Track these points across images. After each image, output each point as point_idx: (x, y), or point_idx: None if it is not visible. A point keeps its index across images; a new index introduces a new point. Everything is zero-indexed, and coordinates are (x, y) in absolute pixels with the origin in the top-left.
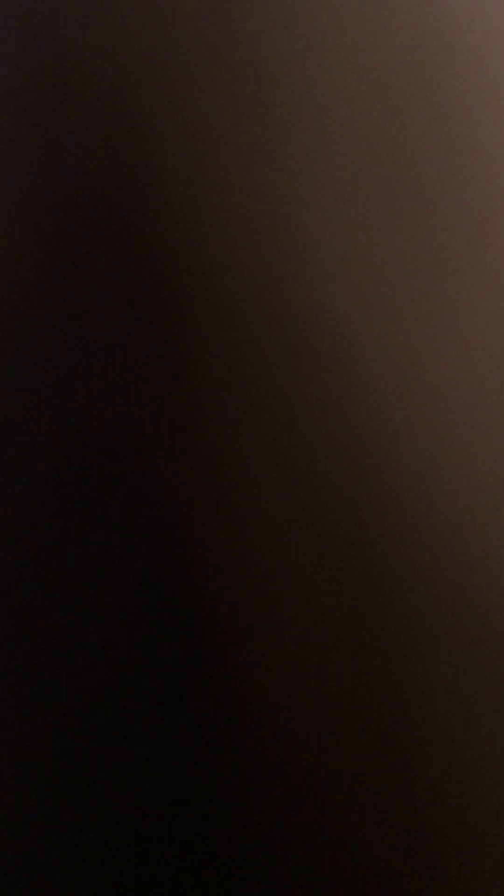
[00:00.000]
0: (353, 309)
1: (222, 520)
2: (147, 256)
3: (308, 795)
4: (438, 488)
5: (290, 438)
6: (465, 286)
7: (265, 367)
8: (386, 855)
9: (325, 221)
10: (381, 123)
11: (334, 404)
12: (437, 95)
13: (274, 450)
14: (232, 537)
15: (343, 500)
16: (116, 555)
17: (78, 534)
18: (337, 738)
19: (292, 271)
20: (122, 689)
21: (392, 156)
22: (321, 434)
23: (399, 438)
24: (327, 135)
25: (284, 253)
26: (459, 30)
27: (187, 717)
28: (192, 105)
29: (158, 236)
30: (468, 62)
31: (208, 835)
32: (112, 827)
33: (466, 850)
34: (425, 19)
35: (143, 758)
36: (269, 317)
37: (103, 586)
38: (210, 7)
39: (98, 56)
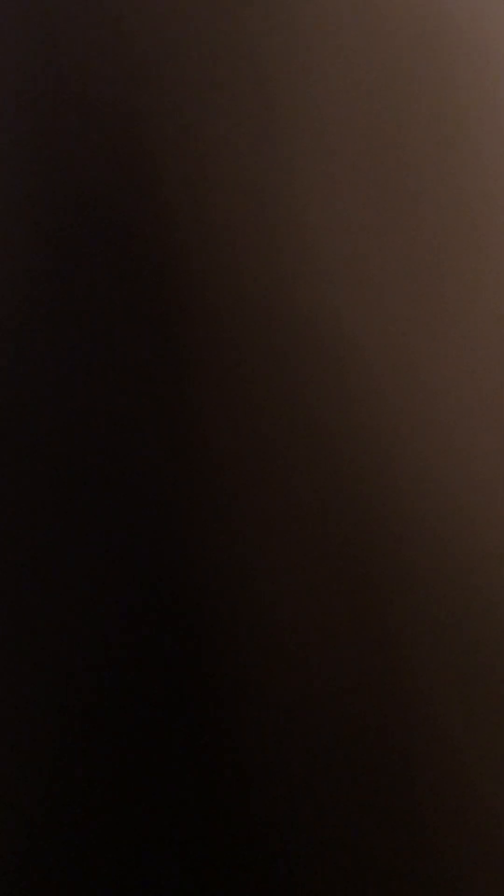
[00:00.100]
0: (354, 309)
1: (222, 519)
2: (147, 256)
3: (308, 795)
4: (438, 488)
5: (290, 438)
6: (465, 286)
7: (265, 366)
8: (386, 854)
9: (325, 221)
10: (381, 123)
11: (334, 404)
12: (437, 95)
13: (274, 449)
14: (232, 537)
15: (343, 500)
16: (116, 554)
17: (78, 533)
18: (337, 738)
19: (292, 271)
20: (122, 689)
21: (392, 155)
22: (321, 434)
23: (399, 438)
24: (327, 135)
25: (284, 253)
26: (459, 30)
27: (187, 717)
28: (192, 105)
29: (158, 236)
30: (468, 62)
31: (208, 834)
32: (112, 826)
33: (466, 850)
34: (425, 19)
35: (144, 757)
36: (269, 316)
37: (103, 586)
38: (210, 7)
39: (98, 56)
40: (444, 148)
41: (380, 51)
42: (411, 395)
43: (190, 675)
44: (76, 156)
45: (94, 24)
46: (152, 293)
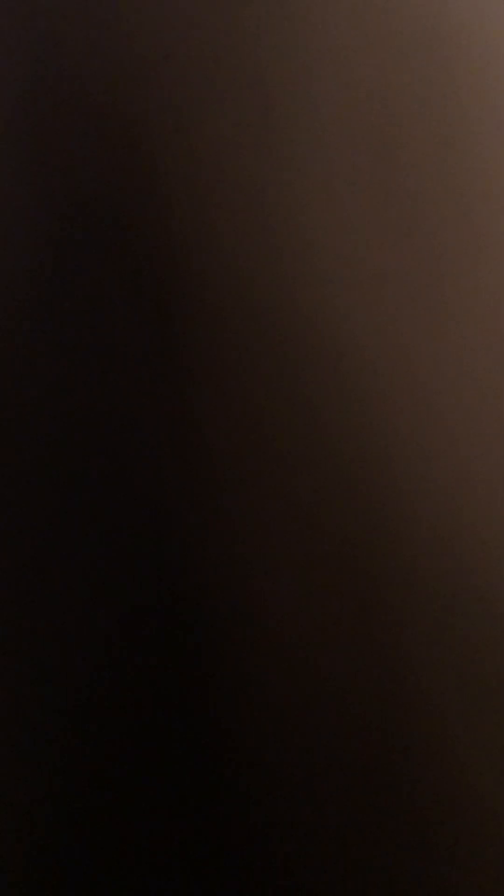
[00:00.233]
0: (354, 309)
1: (222, 518)
2: (146, 257)
3: (308, 793)
4: (438, 487)
5: (290, 438)
6: (465, 286)
7: (265, 366)
8: (386, 854)
9: (325, 221)
10: (381, 123)
11: (334, 404)
12: (437, 95)
13: (274, 449)
14: (232, 536)
15: (343, 499)
16: (116, 554)
17: (77, 533)
18: (337, 736)
19: (292, 271)
20: (122, 688)
21: (392, 155)
22: (321, 433)
23: (399, 437)
24: (327, 135)
25: (284, 253)
26: (459, 30)
27: (187, 717)
28: (191, 105)
29: (158, 236)
30: (468, 62)
31: (208, 834)
32: (112, 827)
33: (466, 850)
34: (425, 19)
35: (143, 757)
36: (269, 316)
37: (103, 585)
38: (210, 7)
39: (97, 57)
40: (445, 148)
41: (379, 50)
42: (411, 395)
43: (190, 675)
44: (76, 156)
45: (94, 25)
46: (152, 293)
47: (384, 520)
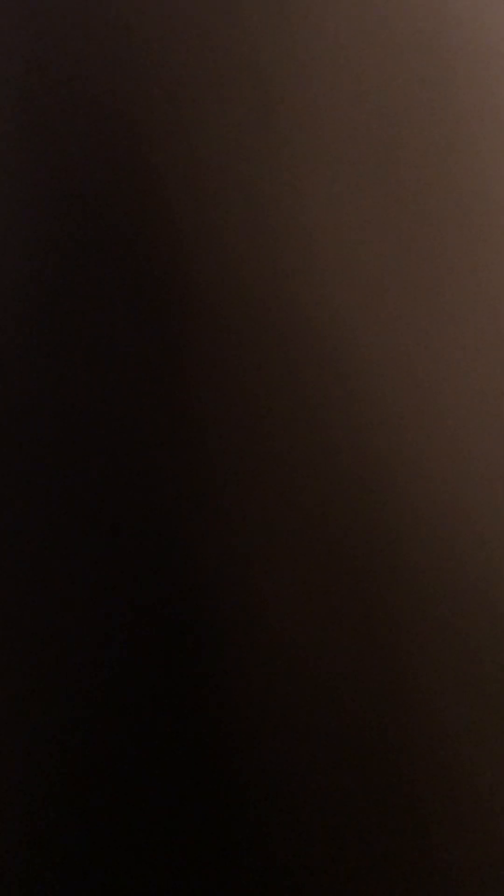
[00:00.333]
0: (354, 309)
1: (222, 519)
2: (146, 256)
3: (308, 794)
4: (439, 487)
5: (290, 438)
6: (465, 287)
7: (266, 367)
8: (386, 853)
9: (325, 221)
10: (381, 124)
11: (334, 404)
12: (437, 95)
13: (274, 449)
14: (232, 536)
15: (343, 500)
16: (116, 555)
17: (77, 534)
18: (337, 737)
19: (292, 271)
20: (122, 689)
21: (392, 155)
22: (321, 433)
23: (399, 437)
24: (328, 135)
25: (285, 253)
26: (460, 29)
27: (187, 718)
28: (192, 105)
29: (158, 236)
30: (468, 62)
31: (208, 835)
32: (112, 827)
33: (466, 849)
34: (426, 19)
35: (144, 757)
36: (269, 316)
37: (103, 586)
38: (210, 7)
39: (98, 55)
40: (445, 148)
41: (379, 50)
42: (411, 395)
43: (190, 676)
44: (76, 156)
45: (94, 26)
46: (152, 292)
47: (384, 519)
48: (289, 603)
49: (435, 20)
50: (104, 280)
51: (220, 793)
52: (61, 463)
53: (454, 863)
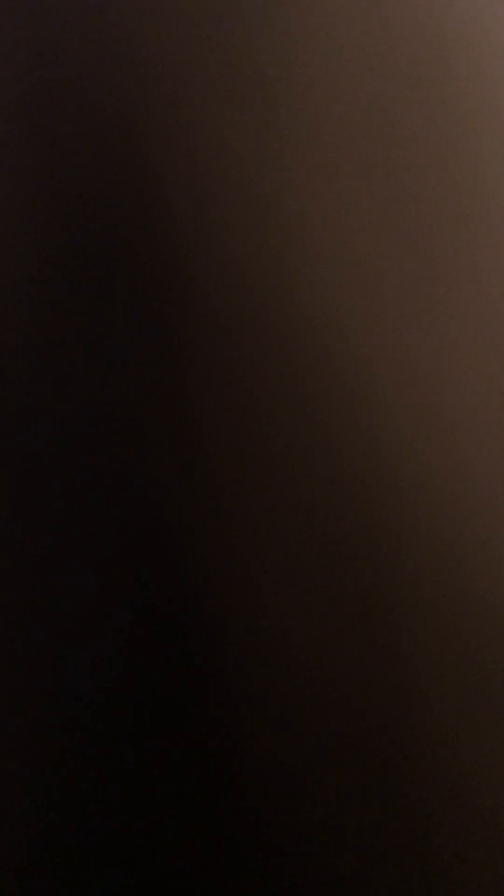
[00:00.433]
0: (354, 309)
1: (222, 519)
2: (146, 257)
3: (308, 794)
4: (439, 487)
5: (290, 438)
6: (465, 287)
7: (266, 367)
8: (386, 854)
9: (325, 221)
10: (381, 124)
11: (334, 404)
12: (437, 94)
13: (274, 449)
14: (232, 536)
15: (343, 500)
16: (115, 555)
17: (77, 535)
18: (337, 738)
19: (292, 271)
20: (123, 691)
21: (392, 156)
22: (321, 433)
23: (399, 437)
24: (328, 135)
25: (285, 253)
26: (459, 29)
27: (187, 720)
28: (192, 105)
29: (158, 236)
30: (468, 61)
31: (209, 835)
32: (112, 831)
33: (466, 849)
34: (425, 18)
35: (144, 758)
36: (269, 316)
37: (102, 586)
38: (210, 6)
39: (98, 56)
40: (445, 147)
41: (380, 51)
42: (411, 395)
43: (190, 678)
44: (76, 156)
45: (94, 27)
46: (152, 292)
47: (384, 519)
48: (289, 603)
49: (435, 20)
50: (105, 280)
51: (220, 793)
52: (61, 463)
53: (454, 862)
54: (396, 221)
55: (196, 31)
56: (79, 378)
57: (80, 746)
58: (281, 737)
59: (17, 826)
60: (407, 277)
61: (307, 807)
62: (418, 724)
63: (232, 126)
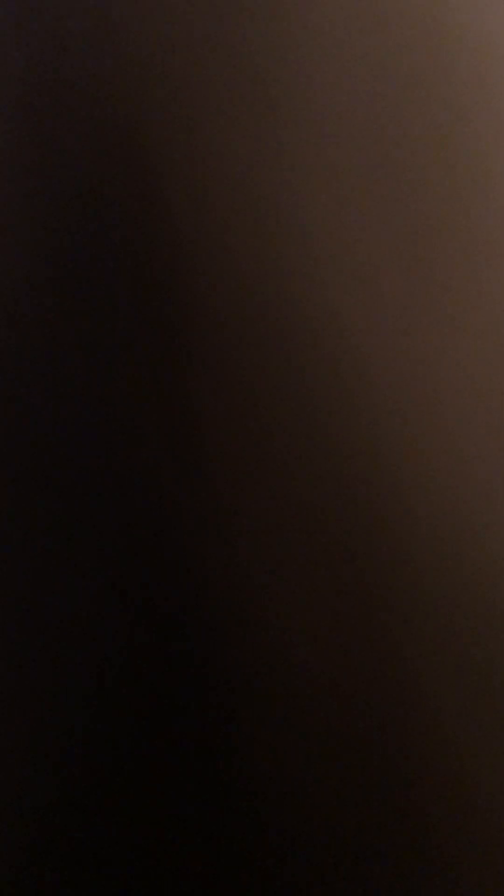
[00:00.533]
0: (354, 309)
1: (222, 519)
2: (146, 256)
3: (307, 794)
4: (439, 487)
5: (290, 438)
6: (466, 287)
7: (266, 367)
8: (386, 854)
9: (325, 221)
10: (381, 123)
11: (334, 404)
12: (437, 94)
13: (274, 449)
14: (231, 537)
15: (343, 500)
16: (115, 555)
17: (77, 534)
18: (337, 739)
19: (292, 271)
20: (123, 693)
21: (393, 156)
22: (321, 433)
23: (400, 436)
24: (328, 135)
25: (285, 252)
26: (460, 29)
27: (187, 722)
28: (192, 104)
29: (158, 236)
30: (469, 62)
31: (208, 834)
32: (112, 832)
33: (466, 849)
34: (426, 18)
35: (144, 757)
36: (269, 315)
37: (102, 586)
38: (210, 6)
39: (98, 56)
40: (444, 147)
41: (380, 51)
42: (411, 395)
43: (190, 678)
44: (76, 157)
45: (94, 26)
46: (152, 292)
47: (385, 520)
48: (289, 603)
49: (435, 20)
50: (104, 280)
51: (220, 793)
52: (61, 463)
53: (454, 862)
54: (397, 221)
55: (196, 31)
56: (79, 378)
57: (79, 746)
58: (280, 737)
59: (16, 826)
60: (407, 277)
61: (307, 807)
62: (418, 724)
63: (232, 126)
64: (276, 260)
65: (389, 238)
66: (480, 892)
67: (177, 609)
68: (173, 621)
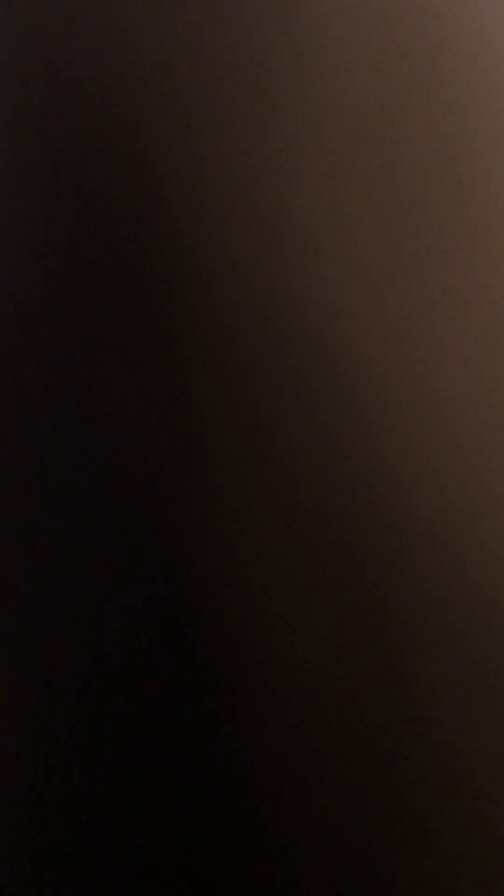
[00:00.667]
0: (354, 308)
1: (222, 519)
2: (146, 257)
3: (307, 794)
4: (439, 487)
5: (290, 438)
6: (466, 287)
7: (266, 367)
8: (386, 854)
9: (325, 221)
10: (381, 123)
11: (335, 404)
12: (437, 94)
13: (274, 449)
14: (231, 536)
15: (343, 499)
16: (115, 554)
17: (77, 532)
18: (337, 739)
19: (292, 271)
20: (123, 692)
21: (391, 154)
22: (321, 433)
23: (400, 436)
24: (328, 135)
25: (285, 252)
26: (460, 30)
27: (187, 722)
28: (192, 104)
29: (158, 236)
30: (469, 62)
31: (208, 834)
32: (111, 832)
33: (466, 850)
34: (426, 19)
35: (144, 757)
36: (270, 315)
37: (102, 584)
38: (211, 8)
39: (99, 57)
40: (444, 146)
41: (380, 51)
42: (411, 395)
43: (190, 678)
44: (77, 157)
45: (95, 27)
46: (152, 292)
47: (385, 519)
48: (289, 602)
49: (436, 20)
50: (105, 280)
51: (220, 793)
52: (61, 463)
53: (454, 862)
54: (397, 221)
55: (196, 31)
56: (79, 378)
57: (79, 746)
58: (280, 736)
59: (16, 826)
60: (407, 277)
61: (307, 806)
62: (418, 724)
63: (232, 126)
64: (276, 259)
65: (389, 237)
66: (480, 892)
67: (177, 609)
68: (173, 621)
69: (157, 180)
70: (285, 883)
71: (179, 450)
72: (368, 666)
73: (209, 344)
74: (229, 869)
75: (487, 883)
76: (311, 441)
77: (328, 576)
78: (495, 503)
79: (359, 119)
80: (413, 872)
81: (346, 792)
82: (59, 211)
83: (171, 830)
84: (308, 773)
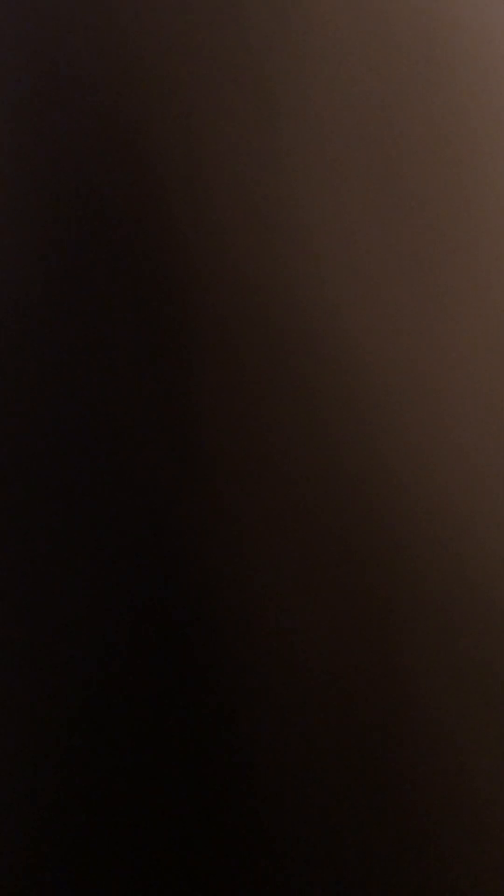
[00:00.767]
0: (354, 309)
1: (222, 518)
2: (147, 256)
3: (306, 795)
4: (439, 487)
5: (290, 438)
6: (466, 287)
7: (266, 367)
8: (385, 852)
9: (325, 221)
10: (381, 123)
11: (335, 404)
12: (437, 94)
13: (274, 449)
14: (232, 536)
15: (343, 499)
16: (116, 554)
17: (77, 532)
18: (336, 738)
19: (292, 270)
20: (123, 691)
21: (392, 154)
22: (322, 432)
23: (400, 436)
24: (328, 135)
25: (285, 253)
26: (460, 30)
27: (187, 722)
28: (192, 104)
29: (158, 236)
30: (469, 62)
31: (208, 834)
32: (111, 832)
33: (466, 850)
34: (426, 19)
35: (143, 757)
36: (270, 316)
37: (102, 584)
38: (211, 10)
39: (99, 57)
40: (444, 147)
41: (380, 52)
42: (412, 394)
43: (190, 677)
44: (77, 157)
45: (95, 27)
46: (152, 292)
47: (385, 519)
48: (289, 602)
49: (436, 21)
50: (105, 280)
51: (220, 793)
52: (61, 462)
53: (454, 862)
54: (397, 221)
55: (196, 32)
56: (79, 377)
57: (80, 745)
58: (280, 736)
59: (16, 826)
60: (407, 277)
61: (307, 805)
62: (418, 724)
63: (232, 126)
64: (276, 260)
65: (389, 238)
66: (480, 892)
67: (177, 608)
68: (173, 621)
69: (157, 180)
70: (285, 883)
71: (179, 450)
72: (368, 666)
73: (209, 344)
74: (229, 868)
75: (487, 883)
76: (311, 441)
77: (328, 576)
78: (495, 503)
79: (359, 119)
80: (413, 872)
81: (345, 791)
82: (59, 211)
83: (172, 830)
84: (308, 772)
